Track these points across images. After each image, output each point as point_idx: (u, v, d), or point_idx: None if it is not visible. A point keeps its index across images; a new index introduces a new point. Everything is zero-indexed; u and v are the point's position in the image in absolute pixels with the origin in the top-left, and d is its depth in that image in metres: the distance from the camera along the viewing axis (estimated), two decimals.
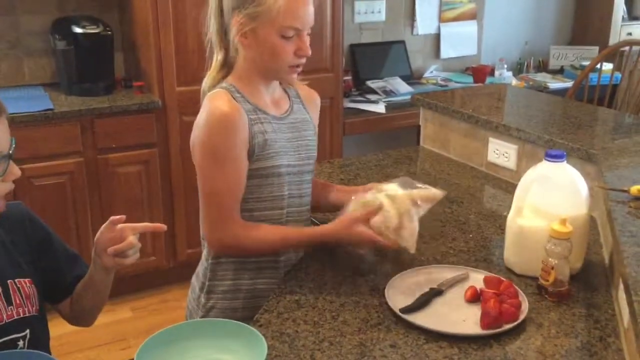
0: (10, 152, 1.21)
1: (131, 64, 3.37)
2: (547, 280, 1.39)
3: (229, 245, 1.53)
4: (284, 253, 1.60)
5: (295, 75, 1.54)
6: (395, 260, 1.59)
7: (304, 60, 1.50)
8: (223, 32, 1.52)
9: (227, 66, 1.54)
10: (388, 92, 3.89)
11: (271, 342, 1.25)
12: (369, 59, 4.13)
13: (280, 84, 1.60)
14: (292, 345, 1.26)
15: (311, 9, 1.47)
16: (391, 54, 4.22)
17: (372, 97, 3.83)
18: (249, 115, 1.48)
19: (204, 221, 1.54)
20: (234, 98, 1.48)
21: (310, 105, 1.66)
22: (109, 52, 3.16)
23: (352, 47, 4.07)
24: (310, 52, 1.49)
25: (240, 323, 1.25)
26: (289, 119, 1.58)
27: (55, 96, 3.06)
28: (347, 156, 3.14)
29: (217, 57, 1.54)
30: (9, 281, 1.26)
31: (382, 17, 4.18)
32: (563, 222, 1.37)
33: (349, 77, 3.91)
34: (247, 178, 1.51)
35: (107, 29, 3.10)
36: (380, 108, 3.68)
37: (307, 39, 1.48)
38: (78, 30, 3.04)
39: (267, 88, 1.55)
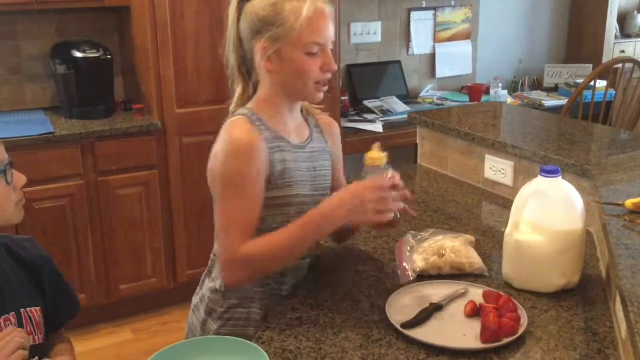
0: (10, 160, 1.27)
1: (131, 87, 3.41)
2: None
3: (243, 266, 1.46)
4: (288, 280, 1.58)
5: (321, 94, 1.53)
6: (394, 276, 1.61)
7: (329, 76, 1.50)
8: (243, 61, 1.52)
9: (247, 95, 1.54)
10: (385, 111, 3.93)
11: (273, 358, 1.27)
12: (366, 79, 4.18)
13: (301, 111, 1.60)
14: None
15: (331, 24, 1.48)
16: (387, 73, 4.27)
17: (369, 116, 3.86)
18: (268, 143, 1.47)
19: (221, 249, 1.50)
20: (252, 125, 1.47)
21: (328, 134, 1.64)
22: (108, 75, 3.20)
23: (349, 67, 4.12)
24: (335, 66, 1.49)
25: (243, 340, 1.26)
26: (309, 147, 1.56)
27: (56, 119, 3.10)
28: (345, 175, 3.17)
29: (238, 89, 1.54)
30: (22, 310, 1.29)
31: (378, 37, 4.23)
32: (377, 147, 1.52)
33: (346, 97, 3.96)
34: (262, 207, 1.49)
35: (107, 52, 3.14)
36: (377, 127, 3.71)
37: (330, 54, 1.48)
38: (78, 54, 3.08)
39: (291, 113, 1.54)
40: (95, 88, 3.15)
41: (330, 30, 1.48)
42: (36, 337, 1.29)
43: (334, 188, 1.61)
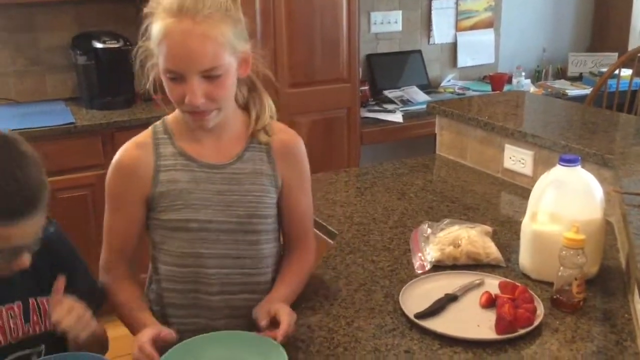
0: (30, 244, 1.15)
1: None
2: (564, 292, 1.38)
3: (103, 283, 1.42)
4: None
5: (205, 122, 1.31)
6: (409, 266, 1.59)
7: (202, 108, 1.27)
8: None
9: None
10: (405, 102, 3.89)
11: (285, 348, 1.26)
12: (386, 69, 4.14)
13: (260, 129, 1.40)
14: (306, 352, 1.27)
15: (205, 47, 1.22)
16: (408, 63, 4.23)
17: (389, 106, 3.83)
18: (160, 161, 1.35)
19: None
20: (154, 137, 1.37)
21: (280, 156, 1.42)
22: (129, 66, 3.21)
23: (369, 57, 4.09)
24: (195, 102, 1.25)
25: (258, 335, 1.25)
26: (230, 168, 1.38)
27: (77, 110, 3.12)
28: (363, 165, 3.16)
29: None
30: (30, 299, 1.26)
31: (399, 27, 4.19)
32: (576, 229, 1.37)
33: (366, 87, 3.93)
34: (154, 227, 1.40)
35: (127, 43, 3.15)
36: (397, 117, 3.68)
37: (194, 85, 1.24)
38: (98, 45, 3.10)
39: (204, 132, 1.37)
40: (116, 79, 3.16)
41: (199, 57, 1.23)
42: (42, 326, 1.26)
43: (286, 215, 1.46)
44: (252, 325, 1.30)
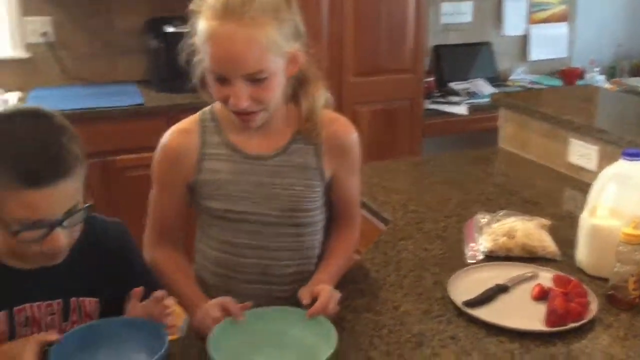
0: (60, 218, 1.07)
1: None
2: (619, 289, 1.34)
3: (149, 262, 1.40)
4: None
5: (246, 123, 1.31)
6: (461, 255, 1.58)
7: (248, 110, 1.26)
8: None
9: None
10: (471, 94, 3.83)
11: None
12: (454, 61, 4.08)
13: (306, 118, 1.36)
14: (351, 331, 1.28)
15: (239, 52, 1.19)
16: (477, 55, 4.15)
17: (455, 98, 3.78)
18: (206, 149, 1.36)
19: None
20: (202, 124, 1.38)
21: (330, 149, 1.39)
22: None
23: (437, 48, 4.04)
24: (240, 106, 1.23)
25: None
26: (274, 160, 1.36)
27: (146, 92, 3.21)
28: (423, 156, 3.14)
29: None
30: (72, 299, 1.21)
31: (469, 18, 4.12)
32: (635, 224, 1.32)
33: (431, 79, 3.88)
34: (199, 211, 1.42)
35: None
36: (461, 110, 3.63)
37: (240, 89, 1.22)
38: (170, 29, 3.18)
39: None
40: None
41: (243, 61, 1.20)
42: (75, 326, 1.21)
43: (333, 199, 1.46)
44: None
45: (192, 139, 1.36)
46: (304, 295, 1.28)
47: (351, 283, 1.46)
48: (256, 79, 1.23)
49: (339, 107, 3.19)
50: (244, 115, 1.28)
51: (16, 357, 1.07)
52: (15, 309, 1.16)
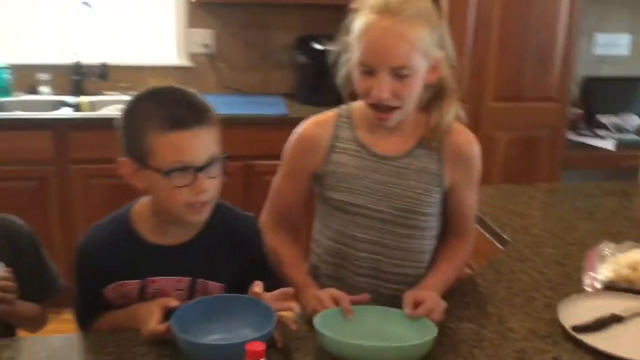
0: (201, 165, 1.23)
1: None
2: None
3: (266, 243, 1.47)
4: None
5: (383, 120, 1.38)
6: (578, 283, 1.54)
7: (386, 103, 1.34)
8: None
9: None
10: (620, 129, 3.64)
11: None
12: (605, 94, 3.90)
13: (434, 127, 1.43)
14: (451, 338, 1.30)
15: (390, 45, 1.31)
16: (631, 90, 3.94)
17: (601, 132, 3.61)
18: (337, 142, 1.45)
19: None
20: (337, 119, 1.48)
21: (451, 157, 1.45)
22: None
23: (588, 79, 3.89)
24: (381, 96, 1.32)
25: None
26: (398, 162, 1.44)
27: (291, 104, 3.41)
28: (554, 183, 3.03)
29: None
30: (199, 280, 1.32)
31: (625, 51, 3.92)
32: None
33: (578, 110, 3.75)
34: (320, 201, 1.51)
35: None
36: (607, 144, 3.46)
37: (384, 79, 1.31)
38: (318, 46, 3.36)
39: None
40: (329, 78, 3.39)
41: (392, 54, 1.31)
42: None
43: (449, 209, 1.50)
44: None
45: (325, 131, 1.47)
46: (407, 300, 1.32)
47: (458, 295, 1.48)
48: (400, 74, 1.32)
49: (475, 131, 3.19)
50: (381, 112, 1.37)
51: (142, 317, 1.23)
52: (149, 279, 1.31)
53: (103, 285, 1.32)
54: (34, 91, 3.39)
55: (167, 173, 1.21)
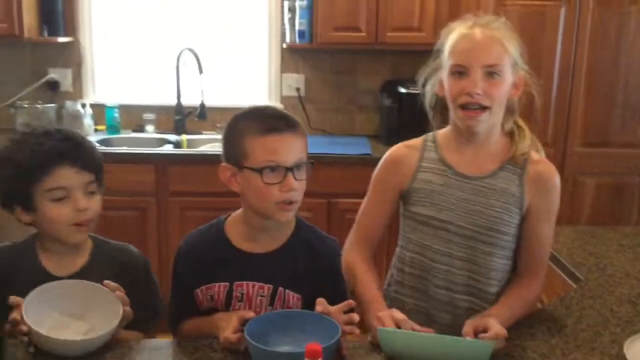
0: (292, 167, 1.38)
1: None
2: None
3: (344, 263, 1.56)
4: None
5: (471, 121, 1.50)
6: None
7: (477, 99, 1.47)
8: None
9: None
10: None
11: (493, 358, 1.35)
12: None
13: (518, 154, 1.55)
14: None
15: (484, 45, 1.47)
16: None
17: None
18: (424, 162, 1.60)
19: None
20: (424, 143, 1.63)
21: (533, 183, 1.55)
22: (426, 112, 3.52)
23: None
24: (474, 89, 1.45)
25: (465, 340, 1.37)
26: (481, 182, 1.55)
27: (375, 145, 3.52)
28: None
29: None
30: (280, 288, 1.45)
31: None
32: None
33: None
34: (405, 218, 1.64)
35: None
36: None
37: (477, 77, 1.46)
38: (403, 90, 3.47)
39: (470, 144, 1.56)
40: (413, 121, 3.48)
41: (485, 52, 1.48)
42: None
43: (525, 239, 1.57)
44: None
45: (413, 153, 1.63)
46: (468, 328, 1.38)
47: (525, 326, 1.51)
48: (491, 73, 1.47)
49: (561, 175, 3.17)
50: (471, 113, 1.49)
51: (221, 325, 1.37)
52: (236, 283, 1.46)
53: (195, 285, 1.48)
54: (140, 129, 3.70)
55: (260, 170, 1.37)
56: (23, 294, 1.34)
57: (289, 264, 1.46)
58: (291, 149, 1.39)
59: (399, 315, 1.40)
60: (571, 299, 1.67)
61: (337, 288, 1.51)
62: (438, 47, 1.57)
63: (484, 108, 1.48)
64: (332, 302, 1.37)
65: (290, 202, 1.40)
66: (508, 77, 1.50)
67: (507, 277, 1.60)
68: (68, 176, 1.42)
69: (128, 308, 1.39)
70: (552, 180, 1.58)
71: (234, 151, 1.42)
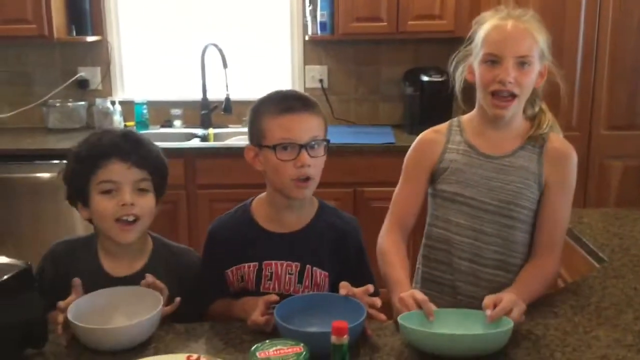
0: (306, 144, 1.45)
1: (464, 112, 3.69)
2: None
3: (378, 248, 1.68)
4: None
5: (500, 110, 1.59)
6: None
7: (508, 87, 1.54)
8: None
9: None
10: None
11: (517, 337, 1.37)
12: None
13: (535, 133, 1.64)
14: (535, 342, 1.37)
15: (517, 36, 1.55)
16: None
17: None
18: (450, 145, 1.69)
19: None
20: (450, 128, 1.71)
21: (551, 160, 1.64)
22: (448, 99, 3.52)
23: None
24: (507, 78, 1.53)
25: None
26: (503, 160, 1.64)
27: (399, 134, 3.55)
28: None
29: None
30: (307, 265, 1.53)
31: None
32: None
33: None
34: (432, 196, 1.72)
35: (449, 77, 3.47)
36: None
37: (510, 66, 1.54)
38: (425, 78, 3.49)
39: (496, 129, 1.65)
40: (435, 108, 3.50)
41: (519, 43, 1.55)
42: (308, 292, 1.51)
43: (541, 216, 1.64)
44: None
45: (440, 136, 1.72)
46: (488, 301, 1.41)
47: (547, 306, 1.54)
48: (522, 63, 1.55)
49: (587, 159, 3.19)
50: (501, 100, 1.58)
51: (249, 309, 1.43)
52: (265, 262, 1.53)
53: (226, 266, 1.55)
54: (168, 124, 3.78)
55: (274, 147, 1.45)
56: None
57: (315, 242, 1.54)
58: (305, 126, 1.47)
59: (419, 296, 1.44)
60: (594, 278, 1.69)
61: (361, 265, 1.59)
62: (470, 35, 1.66)
63: (513, 96, 1.57)
64: (357, 279, 1.45)
65: (307, 179, 1.47)
66: (536, 67, 1.58)
67: (529, 251, 1.67)
68: (119, 171, 1.49)
69: (168, 307, 1.43)
70: (568, 155, 1.66)
71: (255, 132, 1.51)
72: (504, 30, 1.57)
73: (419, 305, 1.42)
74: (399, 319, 1.35)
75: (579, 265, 1.91)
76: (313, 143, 1.48)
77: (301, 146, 1.46)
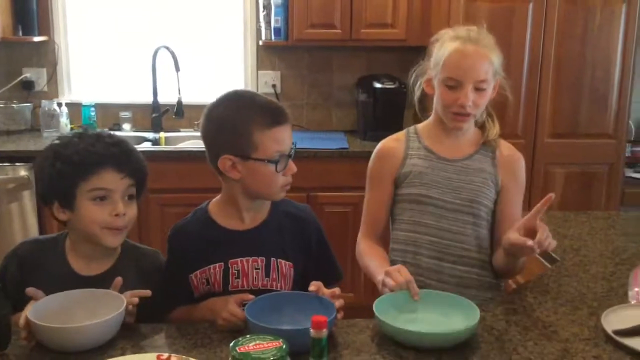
0: (290, 153, 1.51)
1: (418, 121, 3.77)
2: None
3: (357, 254, 1.81)
4: None
5: (459, 124, 1.71)
6: (623, 297, 1.62)
7: (468, 110, 1.66)
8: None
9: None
10: None
11: (480, 332, 1.42)
12: None
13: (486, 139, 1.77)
14: (498, 338, 1.41)
15: (476, 64, 1.64)
16: None
17: None
18: (410, 151, 1.78)
19: None
20: (407, 136, 1.81)
21: (503, 164, 1.77)
22: (401, 106, 3.59)
23: None
24: (467, 102, 1.64)
25: (457, 296, 1.50)
26: (461, 163, 1.76)
27: (352, 140, 3.59)
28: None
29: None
30: (272, 259, 1.55)
31: None
32: None
33: (638, 148, 3.78)
34: (396, 202, 1.79)
35: (402, 86, 3.55)
36: None
37: (469, 91, 1.64)
38: (378, 85, 3.55)
39: (449, 136, 1.77)
40: (388, 115, 3.56)
41: (478, 70, 1.65)
42: (279, 285, 1.55)
43: (500, 215, 1.76)
44: (458, 294, 1.54)
45: (399, 144, 1.82)
46: (513, 235, 1.53)
47: (507, 303, 1.59)
48: (479, 88, 1.66)
49: (531, 165, 3.31)
50: (460, 117, 1.69)
51: (218, 308, 1.43)
52: (230, 261, 1.52)
53: (190, 271, 1.53)
54: (117, 128, 3.70)
55: (275, 162, 1.47)
56: (46, 290, 1.39)
57: (276, 235, 1.57)
58: (289, 137, 1.52)
59: (405, 273, 1.51)
60: (548, 277, 1.76)
61: (323, 250, 1.64)
62: (428, 50, 1.75)
63: (470, 114, 1.69)
64: (322, 268, 1.59)
65: (290, 183, 1.52)
66: (491, 85, 1.70)
67: (489, 247, 1.78)
68: (113, 180, 1.48)
69: (132, 307, 1.41)
70: (518, 159, 1.81)
71: (238, 142, 1.47)
72: (464, 57, 1.65)
73: (405, 284, 1.49)
74: (376, 314, 1.39)
75: (531, 266, 1.98)
76: (293, 150, 1.52)
77: (288, 156, 1.50)
